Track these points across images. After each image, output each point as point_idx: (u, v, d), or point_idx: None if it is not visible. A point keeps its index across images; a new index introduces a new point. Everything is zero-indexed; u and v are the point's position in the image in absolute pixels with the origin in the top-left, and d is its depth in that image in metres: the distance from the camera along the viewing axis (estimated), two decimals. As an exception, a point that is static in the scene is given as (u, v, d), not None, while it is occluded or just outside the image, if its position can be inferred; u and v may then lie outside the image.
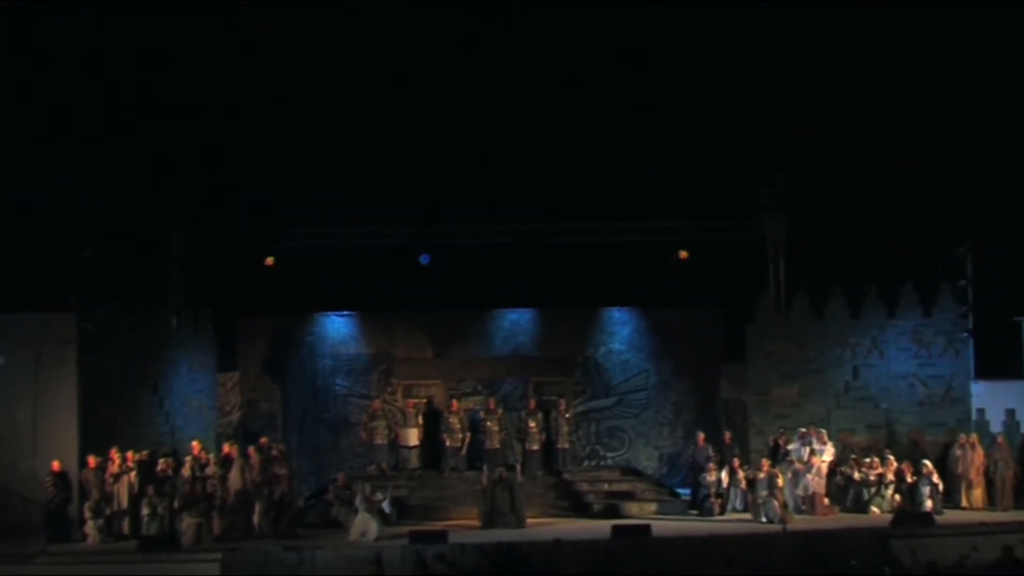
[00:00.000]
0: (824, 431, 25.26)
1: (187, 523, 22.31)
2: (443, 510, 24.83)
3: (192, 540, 22.11)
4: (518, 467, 24.96)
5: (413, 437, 26.88)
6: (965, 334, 26.52)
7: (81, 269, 23.99)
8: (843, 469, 25.00)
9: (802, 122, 27.77)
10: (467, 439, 26.67)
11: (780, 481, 23.80)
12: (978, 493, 24.72)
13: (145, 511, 22.76)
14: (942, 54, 27.65)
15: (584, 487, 25.77)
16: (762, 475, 23.91)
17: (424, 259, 26.84)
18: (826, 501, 24.43)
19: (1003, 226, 27.15)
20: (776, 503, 23.47)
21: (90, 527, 22.65)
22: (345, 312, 28.09)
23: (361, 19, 27.90)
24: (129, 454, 23.44)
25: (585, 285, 26.94)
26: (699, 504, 24.81)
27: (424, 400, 27.62)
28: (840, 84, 27.95)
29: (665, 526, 22.78)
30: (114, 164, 26.71)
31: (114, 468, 23.14)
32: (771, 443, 25.76)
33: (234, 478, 23.15)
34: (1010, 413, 26.01)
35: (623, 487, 25.94)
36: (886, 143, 27.70)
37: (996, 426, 25.96)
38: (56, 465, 22.91)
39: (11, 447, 24.13)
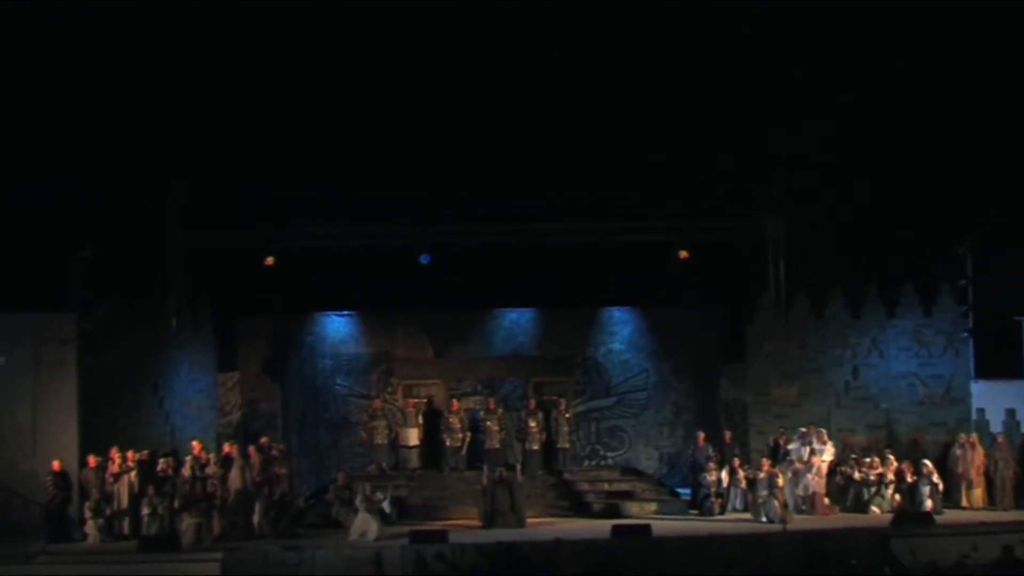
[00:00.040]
0: (824, 431, 25.27)
1: (187, 523, 22.30)
2: (443, 510, 24.83)
3: (192, 540, 22.11)
4: (518, 467, 24.97)
5: (413, 437, 26.88)
6: (965, 334, 26.53)
7: (81, 269, 23.99)
8: (843, 469, 25.00)
9: (802, 122, 27.77)
10: (467, 439, 26.67)
11: (780, 481, 23.81)
12: (978, 493, 24.72)
13: (145, 511, 22.77)
14: (942, 54, 27.63)
15: (584, 487, 25.78)
16: (762, 475, 23.92)
17: (424, 259, 26.86)
18: (826, 501, 24.44)
19: (1003, 226, 27.15)
20: (776, 503, 23.48)
21: (90, 527, 22.66)
22: (345, 312, 28.10)
23: (361, 19, 27.90)
24: (129, 454, 23.45)
25: (585, 285, 26.95)
26: (699, 504, 24.81)
27: (424, 400, 27.64)
28: (840, 84, 27.95)
29: (665, 526, 22.78)
30: (114, 164, 26.71)
31: (114, 468, 23.15)
32: (771, 443, 25.77)
33: (234, 478, 23.16)
34: (1010, 413, 26.01)
35: (623, 487, 25.94)
36: (886, 143, 27.70)
37: (996, 426, 25.97)
38: (56, 465, 22.91)
39: (11, 447, 24.13)
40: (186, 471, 23.21)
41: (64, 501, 22.82)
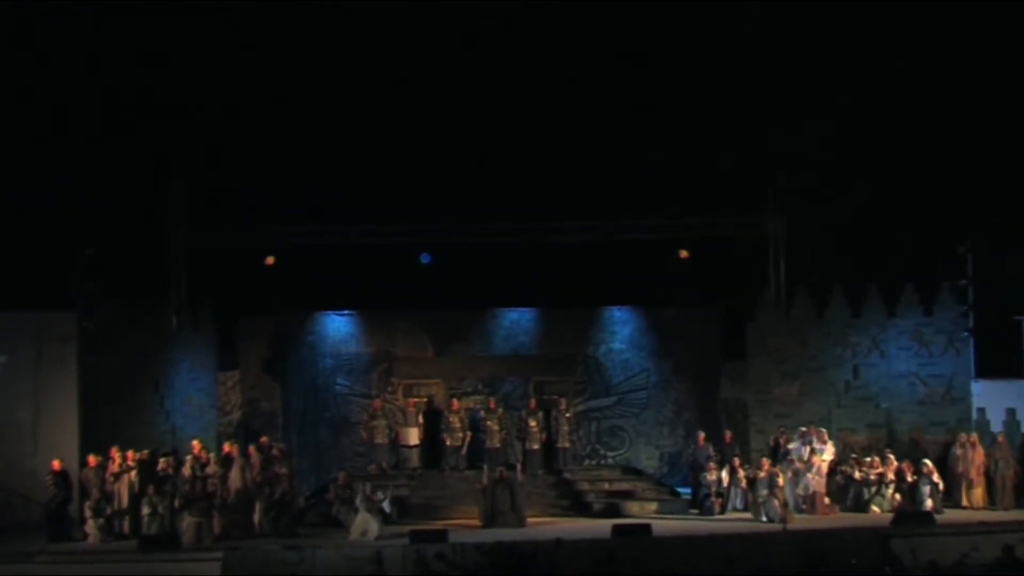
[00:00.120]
0: (824, 430, 25.25)
1: (187, 522, 22.28)
2: (443, 509, 24.83)
3: (192, 539, 22.09)
4: (518, 466, 24.99)
5: (414, 436, 26.88)
6: (965, 333, 26.54)
7: (82, 268, 24.02)
8: (843, 468, 25.00)
9: (802, 122, 27.77)
10: (467, 438, 26.67)
11: (780, 480, 23.80)
12: (978, 492, 24.70)
13: (145, 510, 22.74)
14: (942, 54, 27.64)
15: (585, 486, 25.77)
16: (762, 474, 23.91)
17: (425, 258, 26.87)
18: (826, 500, 24.42)
19: (1003, 226, 27.16)
20: (776, 502, 23.48)
21: (90, 526, 22.64)
22: (346, 311, 28.12)
23: (361, 19, 27.91)
24: (130, 453, 23.43)
25: (586, 284, 26.97)
26: (699, 503, 24.81)
27: (425, 399, 27.63)
28: (840, 84, 27.95)
29: (665, 525, 22.77)
30: (114, 164, 26.72)
31: (114, 467, 23.13)
32: (771, 442, 25.77)
33: (235, 477, 23.15)
34: (1010, 412, 26.02)
35: (624, 486, 25.94)
36: (886, 143, 27.71)
37: (996, 425, 25.98)
38: (56, 464, 22.88)
39: (12, 446, 24.17)
40: (186, 470, 23.19)
41: (64, 500, 22.79)
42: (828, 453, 24.82)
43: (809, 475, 24.34)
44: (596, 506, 24.92)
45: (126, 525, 22.97)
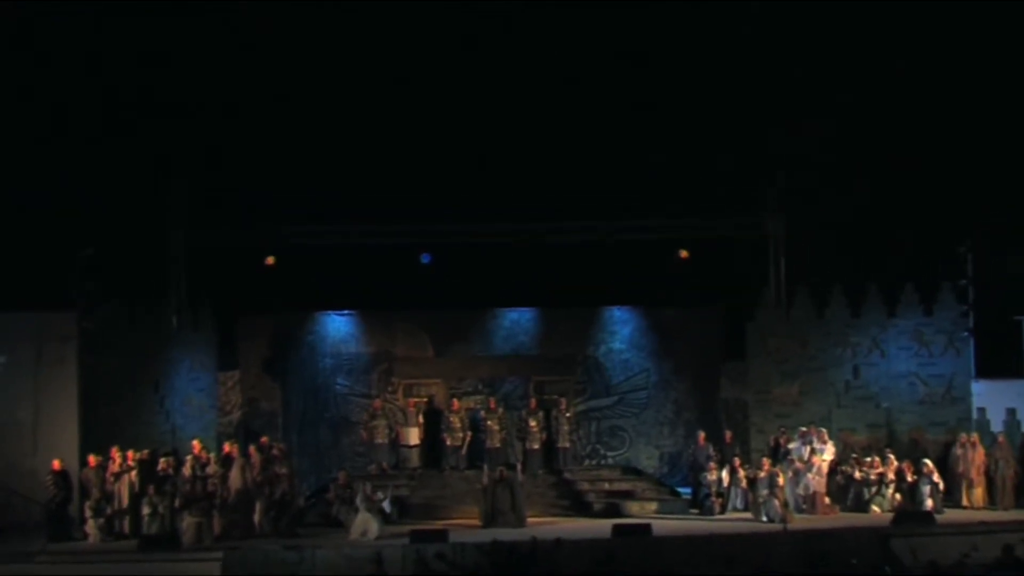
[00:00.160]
0: (825, 430, 25.25)
1: (188, 522, 22.28)
2: (444, 509, 24.83)
3: (193, 539, 22.09)
4: (519, 466, 24.99)
5: (414, 436, 26.88)
6: (966, 333, 26.54)
7: (82, 268, 24.01)
8: (844, 468, 24.99)
9: (802, 122, 27.77)
10: (468, 438, 26.68)
11: (781, 480, 23.80)
12: (979, 492, 24.70)
13: (146, 510, 22.74)
14: (942, 54, 27.64)
15: (585, 486, 25.77)
16: (763, 474, 23.91)
17: (425, 258, 26.88)
18: (827, 500, 24.42)
19: (1003, 226, 27.16)
20: (777, 502, 23.47)
21: (91, 526, 22.64)
22: (346, 311, 28.11)
23: (361, 19, 27.91)
24: (130, 453, 23.43)
25: (586, 284, 26.96)
26: (700, 503, 24.81)
27: (425, 399, 27.64)
28: (840, 84, 27.95)
29: (666, 525, 22.78)
30: (114, 164, 26.71)
31: (115, 467, 23.13)
32: (772, 442, 25.77)
33: (235, 477, 23.15)
34: (1011, 412, 26.03)
35: (624, 486, 25.94)
36: (886, 143, 27.71)
37: (997, 425, 25.98)
38: (57, 464, 22.88)
39: (12, 446, 24.16)
40: (186, 470, 23.19)
41: (64, 500, 22.78)
42: (828, 453, 24.82)
43: (809, 475, 24.34)
44: (596, 506, 24.92)
45: (126, 525, 22.97)
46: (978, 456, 24.78)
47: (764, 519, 23.42)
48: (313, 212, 26.86)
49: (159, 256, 26.71)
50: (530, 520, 23.51)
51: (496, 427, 26.56)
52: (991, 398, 26.25)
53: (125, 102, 27.16)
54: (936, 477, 24.19)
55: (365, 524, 22.34)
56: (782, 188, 27.03)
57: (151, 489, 22.84)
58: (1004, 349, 26.39)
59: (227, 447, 24.13)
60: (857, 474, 24.71)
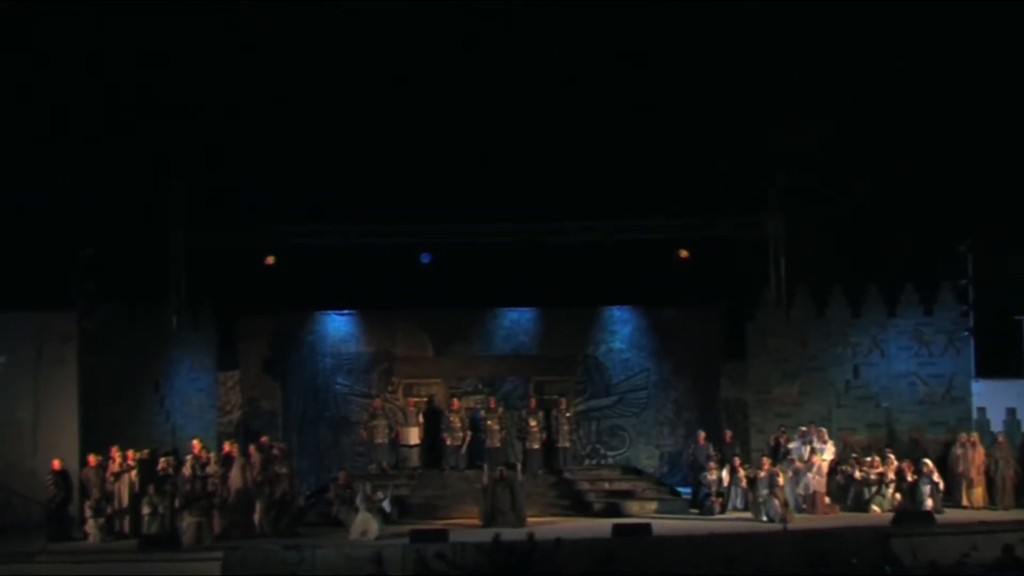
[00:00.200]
0: (825, 430, 25.26)
1: (188, 522, 22.28)
2: (444, 509, 24.83)
3: (193, 539, 22.08)
4: (519, 466, 24.99)
5: (414, 436, 26.88)
6: (966, 333, 26.54)
7: (82, 268, 24.02)
8: (844, 468, 24.99)
9: (802, 122, 27.77)
10: (468, 438, 26.68)
11: (781, 480, 23.80)
12: (979, 492, 24.70)
13: (146, 510, 22.74)
14: (942, 54, 27.65)
15: (585, 486, 25.77)
16: (763, 474, 23.92)
17: (425, 258, 26.88)
18: (827, 500, 24.42)
19: (1003, 226, 27.16)
20: (777, 502, 23.48)
21: (91, 526, 22.64)
22: (346, 311, 28.11)
23: (361, 19, 27.91)
24: (130, 453, 23.43)
25: (586, 284, 26.97)
26: (700, 503, 24.81)
27: (425, 399, 27.64)
28: (840, 84, 27.95)
29: (666, 525, 22.78)
30: (114, 164, 26.72)
31: (115, 467, 23.13)
32: (772, 442, 25.77)
33: (235, 477, 23.15)
34: (1011, 412, 26.02)
35: (624, 486, 25.94)
36: (886, 143, 27.71)
37: (997, 425, 25.98)
38: (57, 464, 22.88)
39: (12, 446, 24.17)
40: (187, 470, 23.19)
41: (64, 500, 22.78)
42: (828, 453, 24.82)
43: (809, 475, 24.34)
44: (596, 506, 24.92)
45: (126, 525, 22.98)
46: (978, 456, 24.78)
47: (764, 519, 23.43)
48: (313, 212, 26.87)
49: (159, 256, 26.71)
50: (530, 520, 23.46)
51: (496, 427, 26.57)
52: (991, 398, 26.24)
53: (125, 102, 27.17)
54: (936, 477, 24.19)
55: (365, 524, 22.34)
56: (782, 188, 27.04)
57: (151, 489, 22.84)
58: (1004, 349, 26.39)
59: (227, 447, 24.13)
60: (857, 474, 24.71)
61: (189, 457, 23.53)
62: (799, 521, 23.15)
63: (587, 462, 27.74)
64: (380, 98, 27.77)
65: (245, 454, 23.61)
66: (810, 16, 27.72)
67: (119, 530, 22.90)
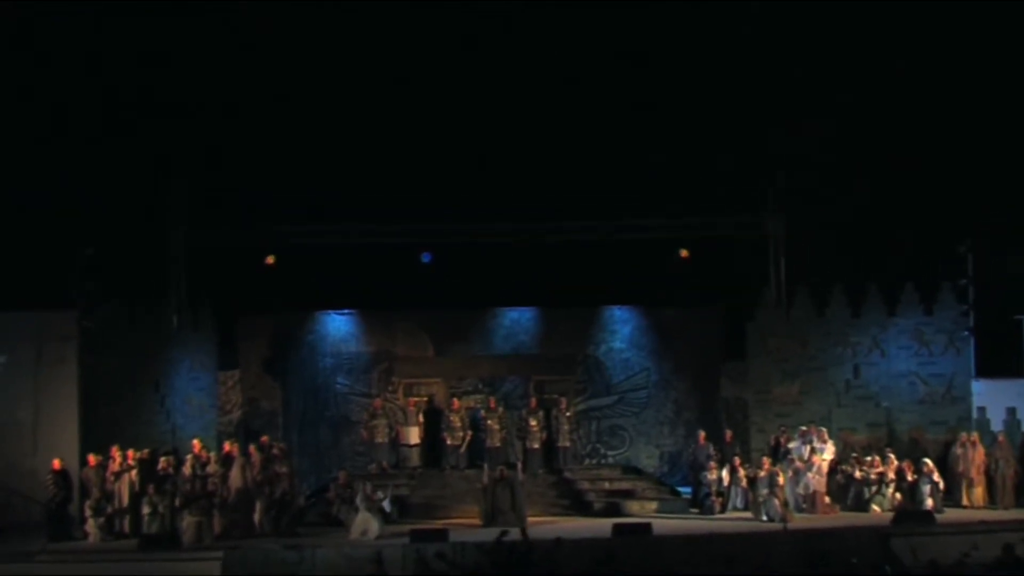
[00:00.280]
0: (825, 429, 25.26)
1: (188, 522, 22.27)
2: (444, 508, 24.82)
3: (193, 539, 22.08)
4: (519, 465, 25.00)
5: (414, 435, 26.87)
6: (966, 332, 26.54)
7: (82, 268, 24.02)
8: (844, 467, 24.99)
9: (802, 122, 27.77)
10: (468, 437, 26.68)
11: (781, 479, 23.80)
12: (979, 491, 24.70)
13: (146, 510, 22.73)
14: (942, 54, 27.65)
15: (585, 485, 25.76)
16: (763, 473, 23.91)
17: (425, 257, 26.89)
18: (827, 499, 24.41)
19: (1003, 226, 27.16)
20: (777, 501, 23.47)
21: (91, 525, 22.64)
22: (346, 311, 28.12)
23: (361, 19, 27.91)
24: (130, 452, 23.42)
25: (586, 284, 26.98)
26: (700, 502, 24.81)
27: (425, 398, 27.63)
28: (840, 84, 27.96)
29: (666, 524, 22.77)
30: (114, 164, 26.72)
31: (115, 466, 23.12)
32: (772, 441, 25.78)
33: (235, 476, 23.15)
34: (1011, 411, 26.05)
35: (624, 485, 25.94)
36: (886, 143, 27.72)
37: (997, 424, 25.99)
38: (57, 463, 22.87)
39: (12, 445, 24.17)
40: (187, 470, 23.20)
41: (65, 500, 22.78)
42: (828, 452, 24.82)
43: (809, 474, 24.34)
44: (596, 505, 24.91)
45: (126, 524, 22.96)
46: (978, 455, 24.78)
47: (764, 518, 23.42)
48: (313, 212, 26.88)
49: (159, 256, 26.73)
50: (530, 519, 23.42)
51: (496, 426, 26.56)
52: (991, 398, 26.25)
53: (125, 102, 27.18)
54: (936, 476, 24.19)
55: (365, 524, 22.33)
56: (782, 188, 27.04)
57: (151, 488, 22.83)
58: (1004, 349, 26.40)
59: (227, 446, 24.13)
60: (857, 473, 24.70)
61: (189, 457, 23.53)
62: (799, 521, 23.14)
63: (587, 462, 27.74)
64: (380, 98, 27.78)
65: (245, 454, 23.60)
66: (810, 16, 27.73)
67: (119, 530, 22.89)
